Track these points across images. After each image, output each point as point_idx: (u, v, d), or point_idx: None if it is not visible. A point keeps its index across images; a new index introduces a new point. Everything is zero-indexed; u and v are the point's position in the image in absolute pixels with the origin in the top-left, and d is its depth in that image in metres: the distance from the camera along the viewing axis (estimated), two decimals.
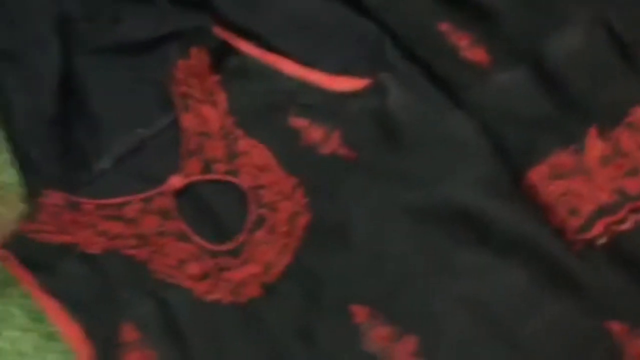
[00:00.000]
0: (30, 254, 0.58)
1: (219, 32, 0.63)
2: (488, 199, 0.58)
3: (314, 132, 0.61)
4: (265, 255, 0.59)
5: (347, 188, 0.60)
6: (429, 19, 0.63)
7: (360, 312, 0.56)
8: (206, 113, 0.62)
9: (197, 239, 0.59)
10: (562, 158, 0.59)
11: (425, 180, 0.58)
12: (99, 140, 0.61)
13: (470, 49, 0.63)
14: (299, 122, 0.62)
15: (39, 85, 0.62)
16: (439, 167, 0.59)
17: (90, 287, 0.58)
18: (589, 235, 0.53)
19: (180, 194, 0.57)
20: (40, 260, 0.58)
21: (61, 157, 0.61)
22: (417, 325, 0.56)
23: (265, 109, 0.62)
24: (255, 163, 0.61)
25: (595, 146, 0.58)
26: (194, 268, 0.59)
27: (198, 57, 0.62)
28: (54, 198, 0.58)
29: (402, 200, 0.58)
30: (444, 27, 0.63)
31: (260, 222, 0.60)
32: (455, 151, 0.59)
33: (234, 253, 0.59)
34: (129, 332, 0.56)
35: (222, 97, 0.62)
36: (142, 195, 0.60)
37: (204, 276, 0.59)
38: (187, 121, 0.62)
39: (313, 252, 0.58)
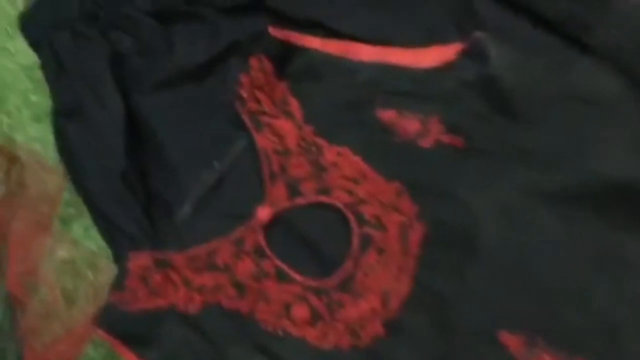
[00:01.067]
0: (125, 325, 0.45)
1: (277, 32, 0.46)
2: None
3: (408, 123, 0.43)
4: (379, 283, 0.42)
5: (463, 183, 0.42)
6: None
7: (512, 340, 0.37)
8: (281, 127, 0.45)
9: (298, 276, 0.43)
10: None
11: (562, 156, 0.39)
12: (177, 185, 0.46)
13: None
14: (387, 114, 0.44)
15: (105, 140, 0.48)
16: (576, 136, 0.39)
17: (195, 351, 0.44)
18: None
19: (270, 225, 0.43)
20: (137, 330, 0.45)
21: (141, 211, 0.47)
22: (592, 344, 0.37)
23: (345, 108, 0.45)
24: (347, 175, 0.44)
25: None
26: (300, 311, 0.43)
27: (260, 67, 0.46)
28: (140, 259, 0.45)
29: (538, 187, 0.39)
30: None
31: (366, 243, 0.43)
32: (593, 111, 0.39)
33: (343, 286, 0.43)
34: None
35: (295, 105, 0.46)
36: (231, 237, 0.45)
37: (314, 319, 0.43)
38: (263, 141, 0.45)
39: (436, 271, 0.41)
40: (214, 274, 0.45)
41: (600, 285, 0.36)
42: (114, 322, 0.44)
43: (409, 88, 0.43)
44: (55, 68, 0.50)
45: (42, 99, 0.53)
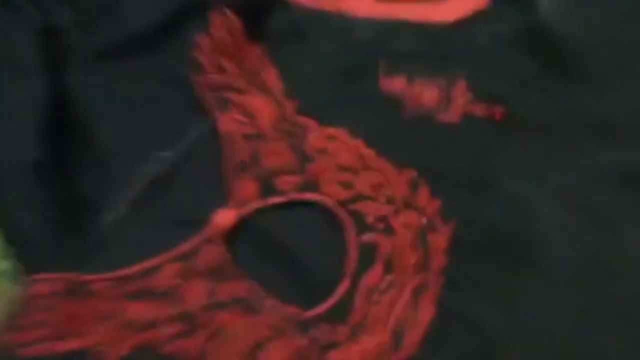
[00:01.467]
0: None
1: None
2: None
3: (424, 92, 0.33)
4: (389, 312, 0.30)
5: (506, 167, 0.31)
6: None
7: None
8: (253, 105, 0.35)
9: (272, 303, 0.31)
10: None
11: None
12: (109, 182, 0.36)
13: None
14: (395, 82, 0.34)
15: (20, 129, 0.38)
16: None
17: None
18: None
19: (234, 234, 0.32)
20: None
21: (57, 217, 0.36)
22: None
23: (339, 78, 0.34)
24: (342, 163, 0.33)
25: None
26: (276, 354, 0.31)
27: (225, 25, 0.35)
28: (48, 284, 0.33)
29: (615, 168, 0.29)
30: None
31: (368, 255, 0.31)
32: None
33: (336, 317, 0.31)
34: None
35: (272, 75, 0.35)
36: (178, 251, 0.33)
37: None
38: (228, 123, 0.35)
39: (471, 291, 0.29)
40: (152, 302, 0.33)
41: None
42: None
43: (424, 47, 0.34)
44: None
45: None
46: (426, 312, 0.29)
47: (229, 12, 0.35)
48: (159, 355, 0.32)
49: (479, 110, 0.32)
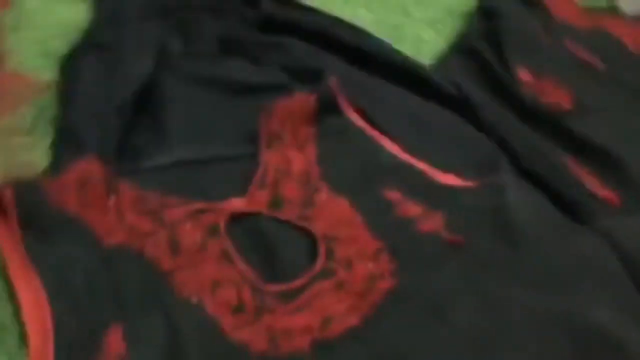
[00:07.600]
0: (34, 209, 0.40)
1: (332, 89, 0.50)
2: (626, 324, 0.41)
3: (412, 207, 0.46)
4: (327, 308, 0.40)
5: (449, 270, 0.43)
6: (552, 149, 0.51)
7: None
8: (291, 155, 0.47)
9: (241, 264, 0.41)
10: None
11: (549, 288, 0.43)
12: (160, 138, 0.46)
13: (597, 188, 0.51)
14: (394, 195, 0.47)
15: (120, 79, 0.50)
16: (567, 280, 0.43)
17: (87, 276, 0.39)
18: None
19: (236, 220, 0.42)
20: (42, 221, 0.40)
21: (114, 144, 0.46)
22: None
23: (357, 174, 0.47)
24: (334, 214, 0.45)
25: None
26: (228, 293, 0.40)
27: (301, 102, 0.49)
28: (90, 165, 0.42)
29: (519, 300, 0.42)
30: (569, 161, 0.51)
31: (326, 274, 0.42)
32: (587, 270, 0.44)
33: (285, 297, 0.41)
34: (114, 340, 0.37)
35: (311, 150, 0.48)
36: (191, 206, 0.43)
37: (236, 309, 0.40)
38: (269, 156, 0.47)
39: (392, 320, 0.41)
40: (155, 224, 0.42)
41: None
42: (27, 198, 0.40)
43: (423, 188, 0.47)
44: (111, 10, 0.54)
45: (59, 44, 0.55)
46: (353, 319, 0.40)
47: (309, 97, 0.53)
48: (138, 257, 0.41)
49: (446, 235, 0.45)
